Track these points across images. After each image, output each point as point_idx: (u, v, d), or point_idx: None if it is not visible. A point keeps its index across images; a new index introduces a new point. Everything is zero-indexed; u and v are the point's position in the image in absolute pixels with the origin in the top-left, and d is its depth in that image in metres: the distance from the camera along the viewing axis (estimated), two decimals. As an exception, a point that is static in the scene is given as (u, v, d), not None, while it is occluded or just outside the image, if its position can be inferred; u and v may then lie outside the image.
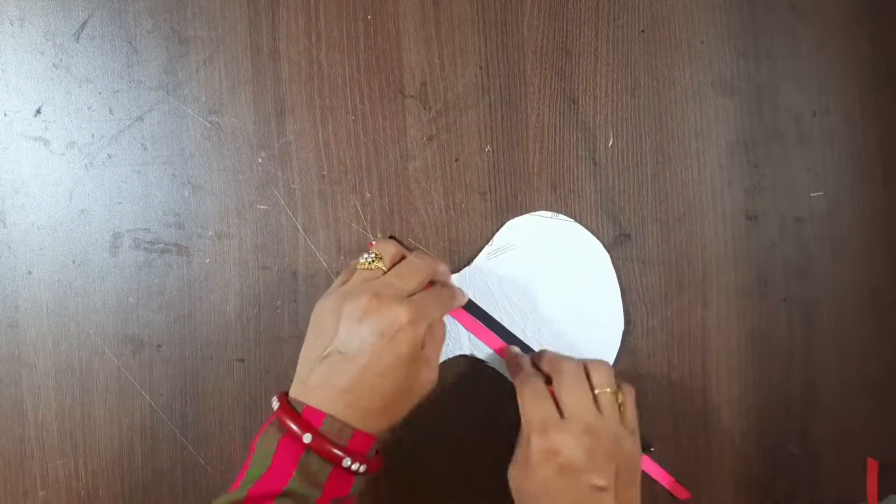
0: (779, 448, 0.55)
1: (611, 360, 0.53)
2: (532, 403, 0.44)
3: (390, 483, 0.52)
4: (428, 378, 0.42)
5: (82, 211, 0.51)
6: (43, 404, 0.50)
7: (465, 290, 0.51)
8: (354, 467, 0.38)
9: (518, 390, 0.46)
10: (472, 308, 0.51)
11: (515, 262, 0.52)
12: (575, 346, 0.52)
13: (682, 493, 0.53)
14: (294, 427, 0.38)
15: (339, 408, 0.39)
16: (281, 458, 0.38)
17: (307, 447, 0.38)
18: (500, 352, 0.51)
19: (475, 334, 0.51)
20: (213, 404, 0.51)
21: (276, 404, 0.40)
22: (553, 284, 0.52)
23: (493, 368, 0.51)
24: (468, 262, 0.52)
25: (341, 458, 0.38)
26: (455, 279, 0.51)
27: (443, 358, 0.51)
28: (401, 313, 0.40)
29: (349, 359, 0.39)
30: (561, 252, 0.52)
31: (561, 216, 0.53)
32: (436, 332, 0.44)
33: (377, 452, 0.43)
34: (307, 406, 0.39)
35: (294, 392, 0.41)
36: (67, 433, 0.50)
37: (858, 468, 0.55)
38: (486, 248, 0.52)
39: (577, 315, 0.52)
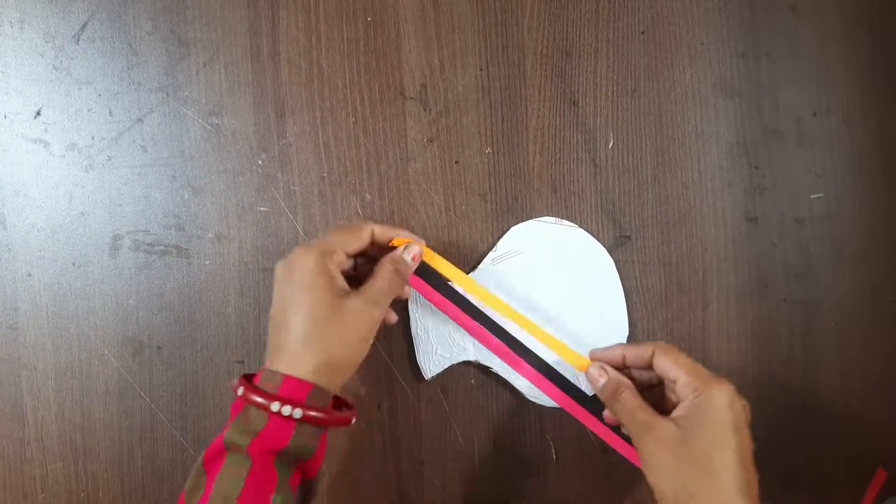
0: (779, 448, 0.55)
1: None
2: None
3: (396, 488, 0.52)
4: (357, 308, 0.42)
5: (82, 213, 0.51)
6: (43, 406, 0.50)
7: (468, 296, 0.51)
8: (286, 412, 0.38)
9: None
10: (476, 314, 0.51)
11: (519, 268, 0.52)
12: (578, 351, 0.52)
13: None
14: (235, 385, 0.40)
15: (273, 360, 0.41)
16: (232, 415, 0.40)
17: (244, 400, 0.39)
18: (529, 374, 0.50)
19: (479, 340, 0.51)
20: (213, 406, 0.51)
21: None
22: (557, 290, 0.52)
23: (497, 374, 0.51)
24: (469, 265, 0.52)
25: (268, 404, 0.38)
26: None
27: (448, 364, 0.51)
28: (296, 251, 0.42)
29: (273, 315, 0.42)
30: (565, 257, 0.52)
31: (564, 221, 0.53)
32: (382, 270, 0.44)
33: (348, 407, 0.44)
34: (260, 369, 0.41)
35: None
36: (67, 435, 0.50)
37: (858, 468, 0.55)
38: (490, 254, 0.52)
39: (581, 320, 0.52)
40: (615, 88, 0.54)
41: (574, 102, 0.53)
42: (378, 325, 0.43)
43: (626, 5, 0.54)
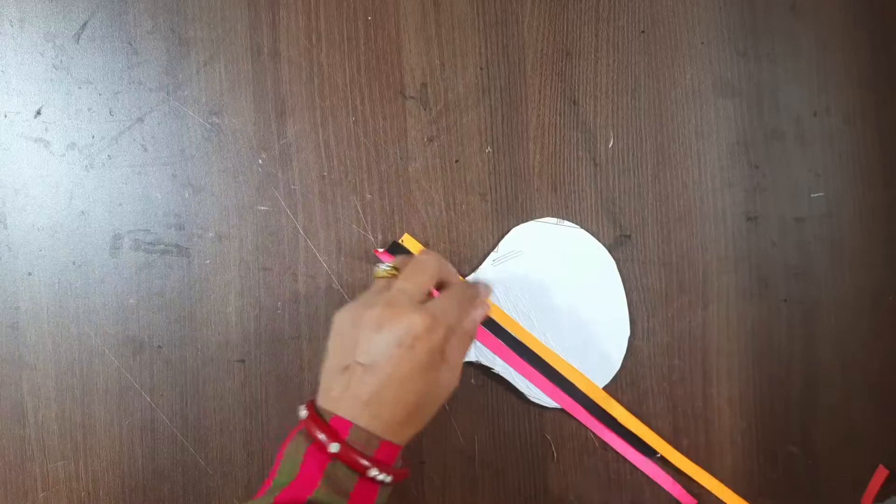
0: (779, 448, 0.55)
1: (616, 366, 0.53)
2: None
3: (396, 487, 0.52)
4: (448, 381, 0.42)
5: (83, 212, 0.51)
6: (43, 406, 0.50)
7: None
8: (381, 477, 0.38)
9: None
10: None
11: (520, 269, 0.52)
12: (580, 352, 0.52)
13: (688, 500, 0.53)
14: (321, 436, 0.38)
15: (363, 418, 0.39)
16: (308, 466, 0.38)
17: (334, 456, 0.37)
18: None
19: (481, 341, 0.51)
20: (214, 405, 0.51)
21: (303, 412, 0.40)
22: (558, 291, 0.52)
23: (499, 375, 0.51)
24: (469, 264, 0.52)
25: (368, 468, 0.38)
26: None
27: None
28: (416, 321, 0.39)
29: (369, 370, 0.39)
30: (566, 258, 0.52)
31: (566, 222, 0.53)
32: (462, 336, 0.43)
33: (404, 463, 0.42)
34: (335, 416, 0.39)
35: (321, 402, 0.41)
36: (68, 434, 0.50)
37: (859, 468, 0.55)
38: (491, 255, 0.52)
39: (583, 321, 0.52)
40: (615, 88, 0.54)
41: (574, 102, 0.53)
42: None
43: (626, 5, 0.54)
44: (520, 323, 0.52)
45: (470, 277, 0.52)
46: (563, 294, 0.52)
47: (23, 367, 0.50)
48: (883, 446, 0.55)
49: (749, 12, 0.55)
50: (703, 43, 0.54)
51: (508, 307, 0.52)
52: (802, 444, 0.55)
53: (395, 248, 0.51)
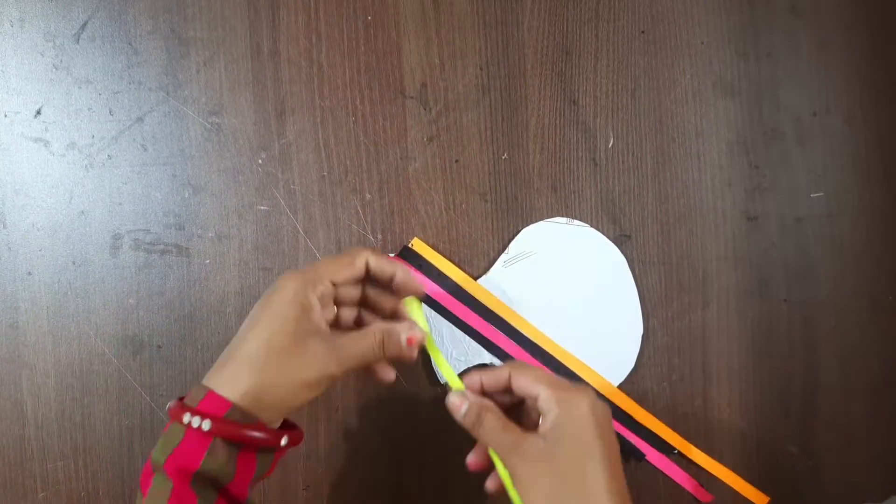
0: (779, 448, 0.55)
1: (631, 364, 0.53)
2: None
3: (396, 488, 0.52)
4: (319, 357, 0.39)
5: (82, 212, 0.51)
6: (43, 405, 0.50)
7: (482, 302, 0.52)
8: (195, 423, 0.36)
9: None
10: (490, 316, 0.51)
11: (532, 270, 0.52)
12: (594, 350, 0.52)
13: (704, 496, 0.53)
14: (171, 404, 0.38)
15: (211, 378, 0.38)
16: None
17: (169, 414, 0.37)
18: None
19: (495, 342, 0.51)
20: (214, 405, 0.51)
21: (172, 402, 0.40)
22: (570, 290, 0.52)
23: None
24: (469, 264, 0.52)
25: (181, 414, 0.36)
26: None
27: (463, 367, 0.51)
28: (283, 274, 0.40)
29: (238, 333, 0.40)
30: (577, 257, 0.52)
31: (576, 221, 0.53)
32: (366, 337, 0.40)
33: (286, 430, 0.39)
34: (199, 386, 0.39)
35: None
36: (67, 434, 0.50)
37: (859, 468, 0.55)
38: (503, 256, 0.52)
39: (596, 320, 0.52)
40: (615, 88, 0.54)
41: (574, 101, 0.53)
42: (331, 381, 0.40)
43: (626, 5, 0.54)
44: (533, 324, 0.52)
45: (481, 280, 0.52)
46: (574, 293, 0.52)
47: (22, 367, 0.50)
48: (883, 446, 0.55)
49: (749, 12, 0.55)
50: (703, 43, 0.54)
51: (521, 308, 0.52)
52: (802, 444, 0.55)
53: (406, 253, 0.51)
